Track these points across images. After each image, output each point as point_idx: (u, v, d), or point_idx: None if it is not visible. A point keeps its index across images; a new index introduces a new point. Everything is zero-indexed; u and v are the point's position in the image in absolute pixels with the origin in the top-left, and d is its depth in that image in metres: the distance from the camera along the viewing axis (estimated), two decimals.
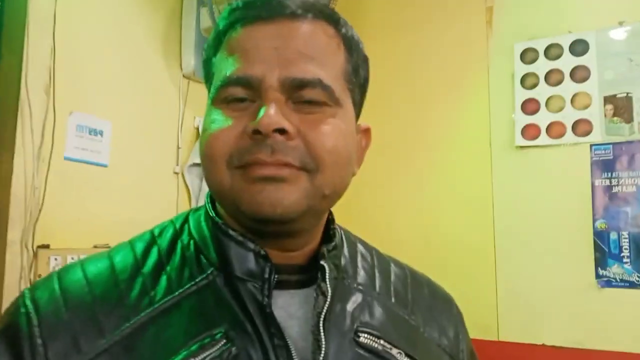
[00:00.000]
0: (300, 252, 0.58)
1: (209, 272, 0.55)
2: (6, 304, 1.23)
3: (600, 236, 1.55)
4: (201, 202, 1.80)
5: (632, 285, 1.51)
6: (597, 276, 1.55)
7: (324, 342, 0.53)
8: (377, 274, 0.64)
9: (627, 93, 1.57)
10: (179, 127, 1.76)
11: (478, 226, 1.74)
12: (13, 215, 1.24)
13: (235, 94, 0.53)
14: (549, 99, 1.68)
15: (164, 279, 0.55)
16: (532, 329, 1.63)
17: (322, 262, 0.57)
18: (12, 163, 1.25)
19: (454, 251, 1.76)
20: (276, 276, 0.54)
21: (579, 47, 1.65)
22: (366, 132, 0.63)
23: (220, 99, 0.54)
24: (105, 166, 1.51)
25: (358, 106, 0.61)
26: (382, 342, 0.57)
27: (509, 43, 1.75)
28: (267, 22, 0.54)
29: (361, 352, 0.55)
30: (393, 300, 0.63)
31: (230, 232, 0.55)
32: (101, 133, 1.51)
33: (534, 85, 1.70)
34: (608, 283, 1.54)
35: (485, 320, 1.69)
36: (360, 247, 0.67)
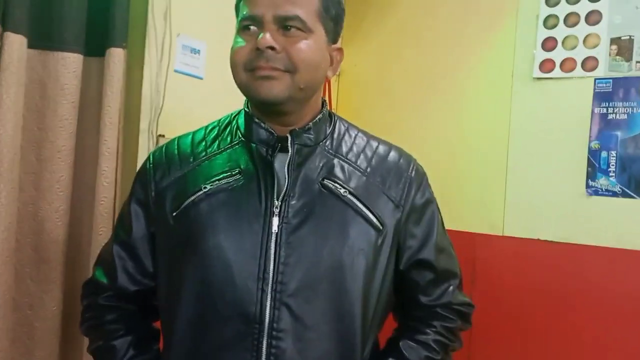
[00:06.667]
0: (292, 128, 0.96)
1: (240, 138, 0.99)
2: None
3: (593, 154, 1.91)
4: None
5: (614, 194, 1.88)
6: (587, 186, 1.92)
7: (286, 179, 0.92)
8: (354, 148, 1.00)
9: (630, 36, 1.87)
10: None
11: (496, 142, 2.11)
12: (143, 111, 1.71)
13: (248, 25, 0.91)
14: (565, 38, 1.99)
15: (216, 143, 1.01)
16: (530, 226, 2.04)
17: (288, 136, 0.94)
18: (142, 72, 1.70)
19: (474, 162, 2.15)
20: (279, 144, 0.94)
21: None
22: (339, 50, 1.00)
23: (240, 29, 0.93)
24: (201, 78, 1.95)
25: (332, 33, 0.97)
26: (336, 184, 0.94)
27: None
28: None
29: (322, 189, 0.93)
30: (358, 163, 0.99)
31: (255, 118, 0.96)
32: (199, 52, 1.93)
33: (554, 26, 2.01)
34: (595, 192, 1.91)
35: (493, 219, 2.10)
36: (352, 131, 1.03)
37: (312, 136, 0.97)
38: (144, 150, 1.72)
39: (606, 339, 1.86)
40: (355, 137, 1.03)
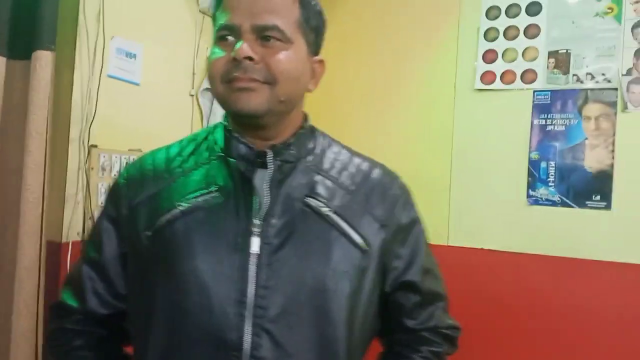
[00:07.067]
0: (272, 142, 0.90)
1: (217, 154, 0.92)
2: (70, 185, 1.58)
3: (533, 164, 1.96)
4: (211, 121, 2.18)
5: (553, 203, 1.93)
6: (528, 196, 1.96)
7: (267, 197, 0.87)
8: (336, 164, 0.95)
9: (567, 49, 1.93)
10: (195, 55, 2.08)
11: (439, 152, 2.12)
12: (73, 119, 1.57)
13: (225, 35, 0.86)
14: (505, 51, 2.03)
15: (193, 158, 0.94)
16: (475, 236, 2.06)
17: (268, 151, 0.89)
18: (72, 77, 1.57)
19: (418, 172, 2.14)
20: (259, 160, 0.88)
21: (534, 8, 1.99)
22: (320, 62, 0.95)
23: (217, 39, 0.88)
24: (137, 84, 1.83)
25: (313, 44, 0.93)
26: (319, 202, 0.89)
27: (477, 1, 2.08)
28: None
29: (304, 207, 0.88)
30: (341, 180, 0.93)
31: (234, 133, 0.91)
32: (135, 56, 1.82)
33: (494, 39, 2.05)
34: (536, 201, 1.96)
35: (438, 228, 2.11)
36: (334, 147, 0.98)
37: (293, 152, 0.91)
38: (74, 162, 1.59)
39: (550, 345, 1.90)
40: (338, 153, 0.98)
